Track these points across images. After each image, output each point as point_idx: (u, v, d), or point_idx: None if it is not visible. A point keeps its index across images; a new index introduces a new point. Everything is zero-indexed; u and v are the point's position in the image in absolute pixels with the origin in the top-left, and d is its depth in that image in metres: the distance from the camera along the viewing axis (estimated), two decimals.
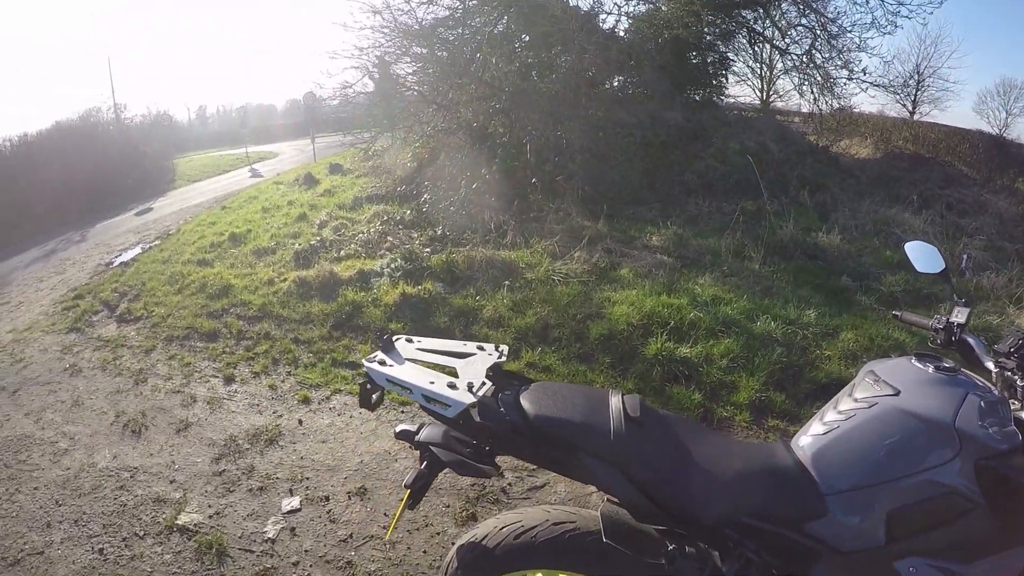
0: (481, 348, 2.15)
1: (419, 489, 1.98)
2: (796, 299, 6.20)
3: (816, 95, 15.91)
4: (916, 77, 28.93)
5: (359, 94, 12.98)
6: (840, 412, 1.91)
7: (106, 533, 3.82)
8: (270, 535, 3.66)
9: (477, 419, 1.86)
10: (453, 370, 1.98)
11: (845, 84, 15.67)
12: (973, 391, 1.82)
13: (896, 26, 14.76)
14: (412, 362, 2.00)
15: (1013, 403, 1.90)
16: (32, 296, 9.93)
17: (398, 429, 2.07)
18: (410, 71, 13.50)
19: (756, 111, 18.83)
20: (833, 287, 6.81)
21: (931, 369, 1.90)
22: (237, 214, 12.69)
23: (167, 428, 5.04)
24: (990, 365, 2.08)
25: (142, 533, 3.79)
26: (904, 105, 27.59)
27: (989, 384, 1.94)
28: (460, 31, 12.69)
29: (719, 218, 9.61)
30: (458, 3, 12.69)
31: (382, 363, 1.99)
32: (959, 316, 2.28)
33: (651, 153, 11.96)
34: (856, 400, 1.91)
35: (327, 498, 3.95)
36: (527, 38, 13.03)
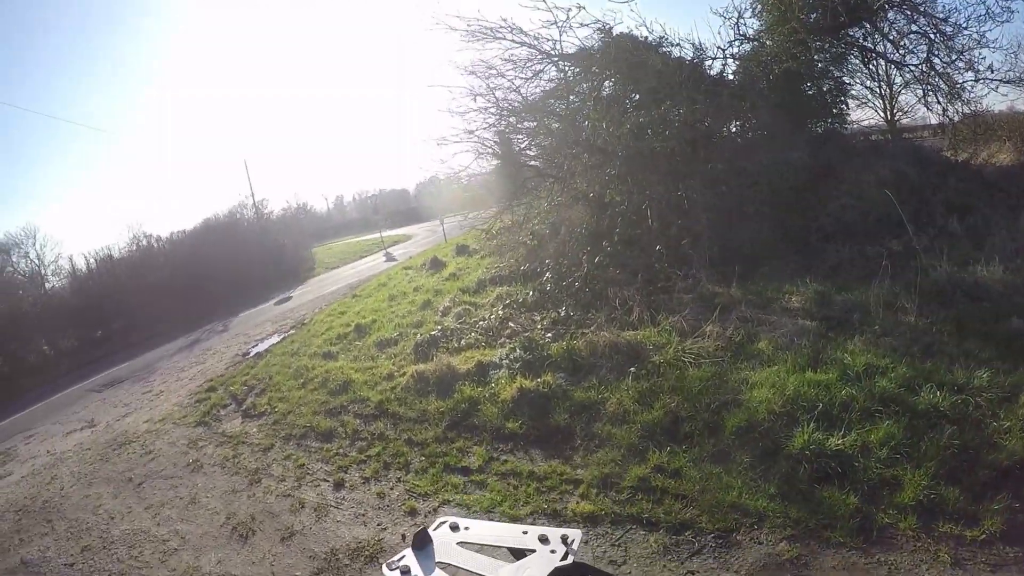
0: (544, 541, 1.68)
1: None
2: (963, 356, 5.09)
3: (944, 104, 14.38)
4: None
5: (476, 175, 13.03)
6: None
7: None
8: None
9: None
10: None
11: (973, 86, 14.06)
12: None
13: (1011, 12, 13.03)
14: (446, 570, 1.56)
15: None
16: (172, 385, 10.42)
17: None
18: (524, 146, 13.44)
19: (883, 133, 17.37)
20: (1004, 333, 5.51)
21: None
22: (365, 303, 12.83)
23: (273, 534, 4.98)
24: None
25: None
26: None
27: None
28: (568, 100, 12.46)
29: (863, 264, 8.35)
30: (560, 74, 12.52)
31: (405, 572, 1.63)
32: None
33: (780, 200, 10.86)
34: None
35: None
36: (636, 97, 12.62)
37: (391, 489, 5.29)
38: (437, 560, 1.65)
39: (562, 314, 8.17)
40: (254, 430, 7.26)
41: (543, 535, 1.70)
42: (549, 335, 7.45)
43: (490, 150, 12.57)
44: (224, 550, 4.85)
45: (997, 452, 3.85)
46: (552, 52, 12.03)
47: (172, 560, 4.77)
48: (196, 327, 16.33)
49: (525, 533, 1.73)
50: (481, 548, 1.72)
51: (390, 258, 21.43)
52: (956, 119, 14.70)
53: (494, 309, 9.25)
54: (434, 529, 1.80)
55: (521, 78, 12.23)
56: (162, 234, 23.76)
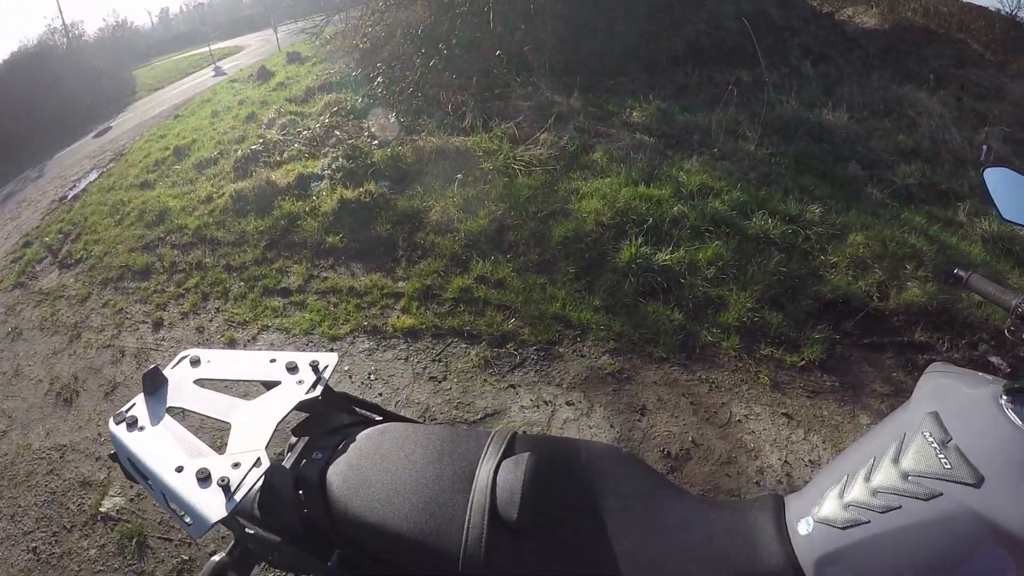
0: (292, 369, 1.48)
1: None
2: (798, 189, 5.17)
3: None
4: None
5: None
6: (876, 493, 1.05)
7: (39, 528, 3.64)
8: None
9: (249, 531, 1.30)
10: (227, 427, 1.35)
11: None
12: None
13: None
14: (176, 415, 1.37)
15: None
16: None
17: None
18: None
19: None
20: (840, 176, 5.69)
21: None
22: (187, 123, 11.69)
23: (96, 391, 4.69)
24: None
25: (69, 525, 3.57)
26: None
27: None
28: None
29: (710, 90, 8.29)
30: None
31: (132, 425, 1.40)
32: None
33: (633, 17, 10.41)
34: (907, 478, 1.03)
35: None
36: None
37: (210, 321, 5.00)
38: (168, 405, 1.43)
39: (391, 120, 7.69)
40: (71, 281, 6.66)
41: (291, 363, 1.51)
42: (375, 143, 7.01)
43: None
44: (51, 420, 4.57)
45: (822, 284, 3.95)
46: None
47: (3, 444, 4.49)
48: (10, 178, 14.50)
49: (273, 362, 1.53)
50: (222, 384, 1.49)
51: (219, 72, 19.51)
52: None
53: (320, 118, 8.60)
54: (173, 367, 1.57)
55: None
56: None
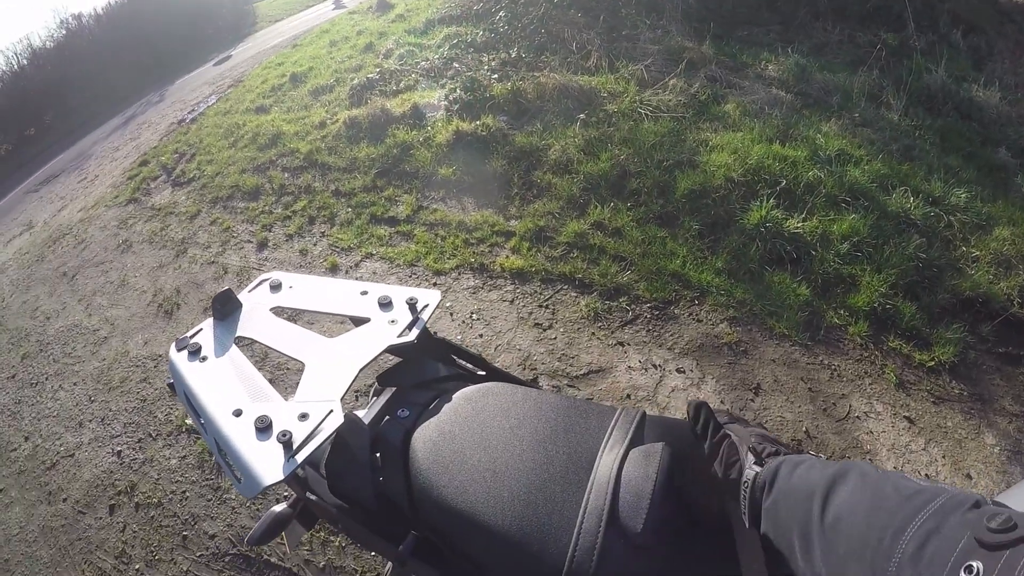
0: (386, 306, 1.24)
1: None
2: (943, 169, 4.55)
3: None
4: None
5: None
6: None
7: (125, 433, 3.79)
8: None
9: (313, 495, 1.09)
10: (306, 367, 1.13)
11: None
12: None
13: None
14: (245, 347, 1.19)
15: None
16: (107, 168, 9.74)
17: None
18: None
19: None
20: (988, 160, 5.01)
21: None
22: (304, 52, 11.68)
23: (196, 306, 4.78)
24: None
25: (154, 434, 3.69)
26: None
27: None
28: None
29: (852, 50, 7.59)
30: None
31: (194, 353, 1.23)
32: None
33: None
34: None
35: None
36: None
37: (314, 245, 4.90)
38: (238, 334, 1.23)
39: (513, 55, 7.28)
40: (182, 198, 6.76)
41: (385, 297, 1.26)
42: (495, 76, 6.66)
43: None
44: (150, 330, 4.67)
45: (962, 279, 3.44)
46: None
47: (103, 350, 4.64)
48: (133, 102, 15.11)
49: (364, 294, 1.29)
50: (301, 314, 1.23)
51: (339, 5, 19.47)
52: None
53: (440, 50, 8.30)
54: (250, 290, 1.37)
55: None
56: (88, 10, 21.40)
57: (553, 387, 3.13)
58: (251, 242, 5.30)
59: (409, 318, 1.24)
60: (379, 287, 1.33)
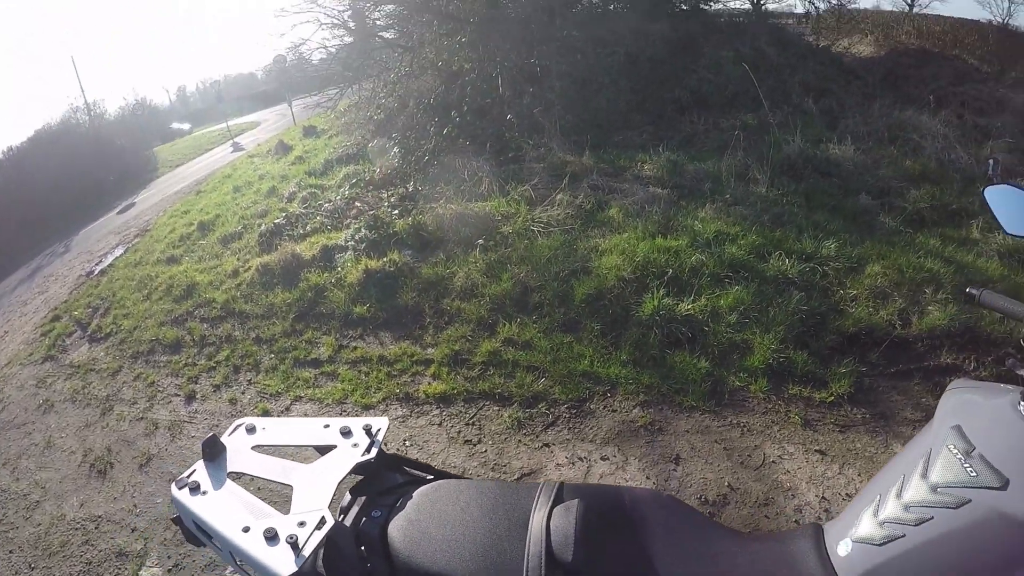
0: (346, 434, 1.57)
1: None
2: (811, 227, 5.26)
3: None
4: None
5: (327, 48, 12.15)
6: (908, 508, 1.13)
7: None
8: None
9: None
10: (289, 490, 1.42)
11: None
12: None
13: None
14: (237, 479, 1.45)
15: None
16: (16, 323, 9.56)
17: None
18: (376, 16, 12.57)
19: (748, 16, 17.65)
20: (851, 208, 5.79)
21: None
22: (209, 199, 12.07)
23: (130, 464, 4.77)
24: None
25: None
26: None
27: None
28: None
29: (717, 136, 8.50)
30: None
31: (195, 489, 1.47)
32: None
33: (637, 72, 10.79)
34: (936, 490, 1.11)
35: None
36: None
37: (242, 394, 5.10)
38: (229, 470, 1.51)
39: (410, 189, 7.88)
40: (101, 354, 6.81)
41: (345, 427, 1.60)
42: (396, 212, 7.19)
43: (335, 21, 11.65)
44: (85, 491, 4.65)
45: (843, 319, 4.00)
46: None
47: (37, 514, 4.57)
48: (37, 253, 14.91)
49: (327, 427, 1.62)
50: (278, 449, 1.58)
51: (238, 148, 20.12)
52: (821, 7, 15.90)
53: (340, 190, 8.88)
54: (229, 435, 1.66)
55: None
56: None
57: None
58: (178, 395, 5.41)
59: (367, 441, 1.57)
60: (338, 420, 1.65)
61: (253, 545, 1.30)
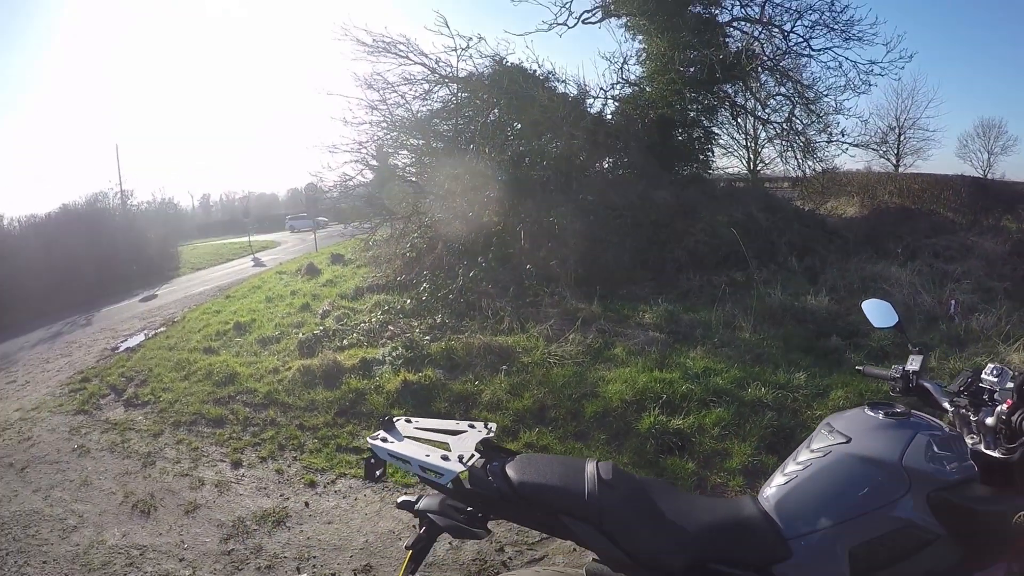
0: (472, 426, 2.35)
1: (419, 551, 2.16)
2: (786, 363, 6.51)
3: (799, 160, 16.84)
4: (897, 130, 30.42)
5: (359, 185, 13.55)
6: (799, 463, 2.16)
7: None
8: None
9: (468, 487, 2.08)
10: (447, 445, 2.18)
11: (825, 147, 16.54)
12: (922, 431, 2.07)
13: (870, 85, 15.58)
14: (410, 439, 2.21)
15: (972, 438, 2.09)
16: (39, 376, 10.07)
17: (400, 500, 2.26)
18: (408, 162, 14.11)
19: (745, 181, 19.46)
20: (823, 348, 7.10)
21: (881, 415, 2.15)
22: (241, 303, 13.03)
23: (176, 509, 5.14)
24: (947, 405, 2.28)
25: None
26: (888, 159, 28.41)
27: (941, 423, 2.18)
28: (454, 122, 13.39)
29: (710, 291, 9.96)
30: (451, 95, 13.42)
31: (384, 440, 2.19)
32: (914, 364, 2.49)
33: (642, 232, 12.42)
34: (812, 451, 2.17)
35: (334, 575, 4.12)
36: (519, 126, 13.74)
37: (288, 466, 5.76)
38: (404, 435, 2.23)
39: (438, 321, 8.98)
40: (140, 418, 7.36)
41: (471, 423, 2.35)
42: (427, 338, 8.23)
43: (376, 161, 13.15)
44: (127, 525, 4.95)
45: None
46: (446, 75, 12.96)
47: (74, 536, 4.82)
48: (56, 319, 15.49)
49: (459, 424, 2.36)
50: (430, 432, 2.36)
51: (258, 263, 21.34)
52: (809, 174, 17.16)
53: (372, 315, 9.87)
54: (395, 420, 2.38)
55: (413, 94, 13.05)
56: (16, 216, 22.17)
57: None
58: (224, 461, 5.99)
59: (486, 430, 2.28)
60: (466, 421, 2.38)
61: (435, 460, 2.04)
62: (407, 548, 2.15)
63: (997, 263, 11.25)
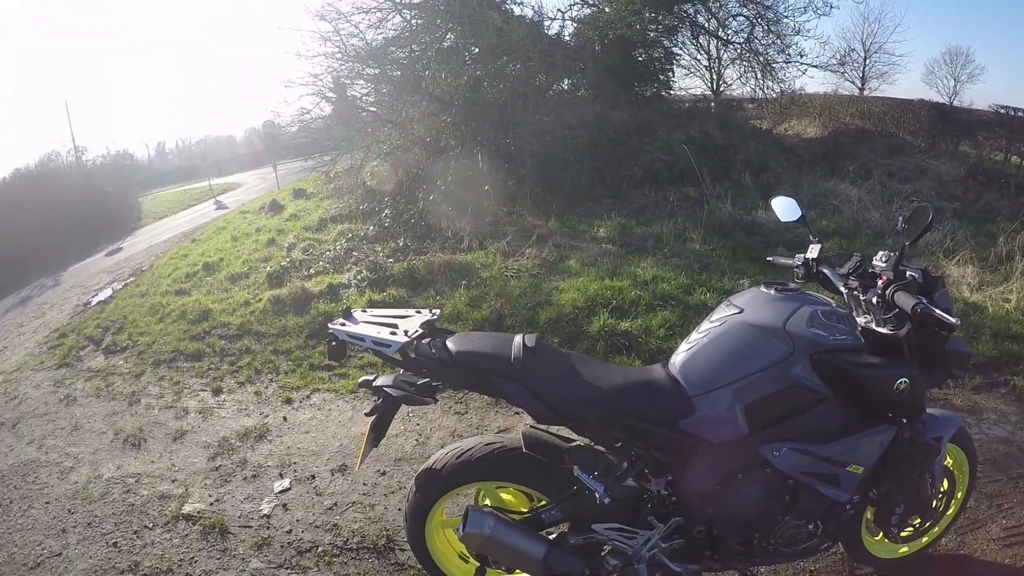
0: (419, 312, 2.67)
1: (378, 422, 2.50)
2: (732, 272, 6.93)
3: (759, 81, 17.14)
4: (863, 54, 30.47)
5: (317, 119, 13.55)
6: (700, 332, 2.50)
7: (118, 529, 4.19)
8: (265, 512, 4.18)
9: (413, 356, 2.40)
10: (396, 326, 2.48)
11: (784, 68, 16.87)
12: (807, 304, 2.40)
13: (831, 7, 15.94)
14: (366, 323, 2.52)
15: (865, 318, 2.43)
16: (15, 341, 10.09)
17: (360, 380, 2.58)
18: (365, 92, 14.10)
19: (708, 102, 19.60)
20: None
21: (772, 291, 2.49)
22: (207, 245, 13.12)
23: (164, 438, 5.45)
24: (841, 288, 2.62)
25: (151, 525, 4.19)
26: (853, 82, 28.93)
27: (831, 301, 2.50)
28: (410, 49, 13.35)
29: (664, 206, 10.35)
30: (405, 23, 13.34)
31: (343, 324, 2.50)
32: (813, 252, 2.81)
33: (599, 152, 12.68)
34: (712, 321, 2.51)
35: (313, 476, 4.50)
36: (476, 51, 13.71)
37: (266, 388, 6.11)
38: (361, 321, 2.54)
39: (400, 244, 9.27)
40: (120, 362, 7.57)
41: (419, 310, 2.66)
42: (390, 260, 8.56)
43: (334, 94, 13.13)
44: (120, 458, 5.21)
45: None
46: (399, 1, 12.91)
47: (72, 476, 5.05)
48: (23, 285, 15.38)
49: (407, 311, 2.67)
50: (383, 317, 2.58)
51: (220, 206, 21.14)
52: (769, 94, 17.54)
53: (337, 243, 10.15)
54: (353, 311, 2.69)
55: (367, 23, 12.95)
56: None
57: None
58: (205, 390, 6.28)
59: (430, 315, 2.58)
60: (413, 309, 2.70)
61: (384, 335, 2.37)
62: (366, 415, 2.50)
63: (950, 185, 11.65)
